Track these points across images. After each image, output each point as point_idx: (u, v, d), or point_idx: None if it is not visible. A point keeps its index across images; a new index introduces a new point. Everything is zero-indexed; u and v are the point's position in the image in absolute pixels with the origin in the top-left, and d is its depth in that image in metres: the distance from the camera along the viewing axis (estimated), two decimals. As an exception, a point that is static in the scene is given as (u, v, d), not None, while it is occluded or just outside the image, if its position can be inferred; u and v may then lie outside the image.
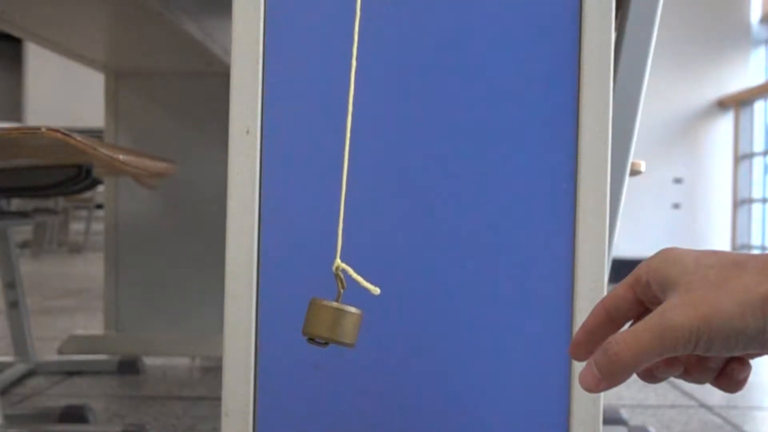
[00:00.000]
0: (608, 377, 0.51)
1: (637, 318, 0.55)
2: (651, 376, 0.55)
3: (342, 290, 0.61)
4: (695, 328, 0.49)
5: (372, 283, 0.79)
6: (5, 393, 1.79)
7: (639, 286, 0.54)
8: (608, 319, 0.56)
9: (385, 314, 0.78)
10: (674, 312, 0.49)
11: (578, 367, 0.77)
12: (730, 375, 0.54)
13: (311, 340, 0.60)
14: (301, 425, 0.79)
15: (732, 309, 0.48)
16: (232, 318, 0.77)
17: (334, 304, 0.60)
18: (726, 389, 0.55)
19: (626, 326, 0.54)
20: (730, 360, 0.54)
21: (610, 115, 0.77)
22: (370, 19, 0.78)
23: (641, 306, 0.55)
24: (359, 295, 0.78)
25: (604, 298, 0.56)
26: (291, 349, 0.76)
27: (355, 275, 0.61)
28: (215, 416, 1.64)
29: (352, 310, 0.60)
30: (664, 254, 0.54)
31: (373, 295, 0.78)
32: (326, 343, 0.60)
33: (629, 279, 0.55)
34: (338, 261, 0.61)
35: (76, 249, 6.24)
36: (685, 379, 0.56)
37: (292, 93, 0.78)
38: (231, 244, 0.77)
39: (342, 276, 0.61)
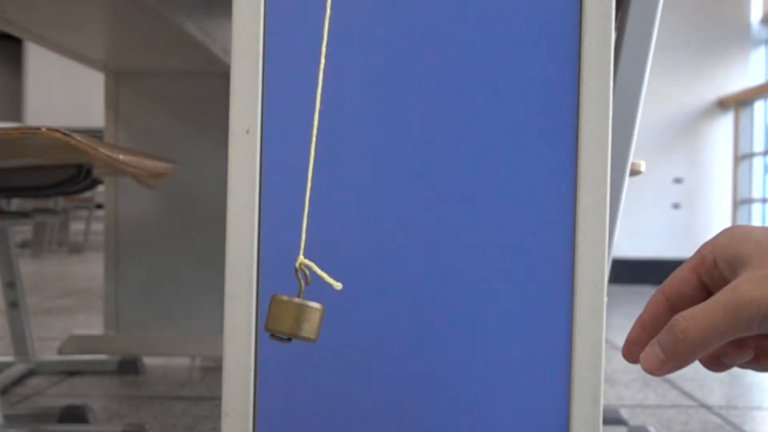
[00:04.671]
0: (674, 358, 0.47)
1: None
2: (717, 362, 0.51)
3: (305, 286, 0.60)
4: None
5: (373, 282, 0.79)
6: (5, 393, 1.79)
7: (704, 267, 0.50)
8: (668, 308, 0.51)
9: (385, 314, 0.78)
10: (748, 286, 0.45)
11: (579, 367, 0.77)
12: None
13: (273, 335, 0.59)
14: (301, 425, 0.79)
15: None
16: (232, 318, 0.77)
17: (297, 300, 0.59)
18: None
19: None
20: None
21: (610, 115, 0.77)
22: (369, 19, 0.78)
23: (705, 290, 0.51)
24: (365, 296, 0.78)
25: (664, 285, 0.52)
26: (291, 349, 0.76)
27: (319, 271, 0.60)
28: (215, 416, 1.64)
29: (315, 305, 0.59)
30: (731, 231, 0.50)
31: (374, 295, 0.78)
32: (289, 339, 0.59)
33: (692, 261, 0.51)
34: (301, 257, 0.61)
35: (76, 249, 6.25)
36: (753, 368, 0.51)
37: (292, 93, 0.78)
38: (231, 244, 0.77)
39: (306, 272, 0.61)
